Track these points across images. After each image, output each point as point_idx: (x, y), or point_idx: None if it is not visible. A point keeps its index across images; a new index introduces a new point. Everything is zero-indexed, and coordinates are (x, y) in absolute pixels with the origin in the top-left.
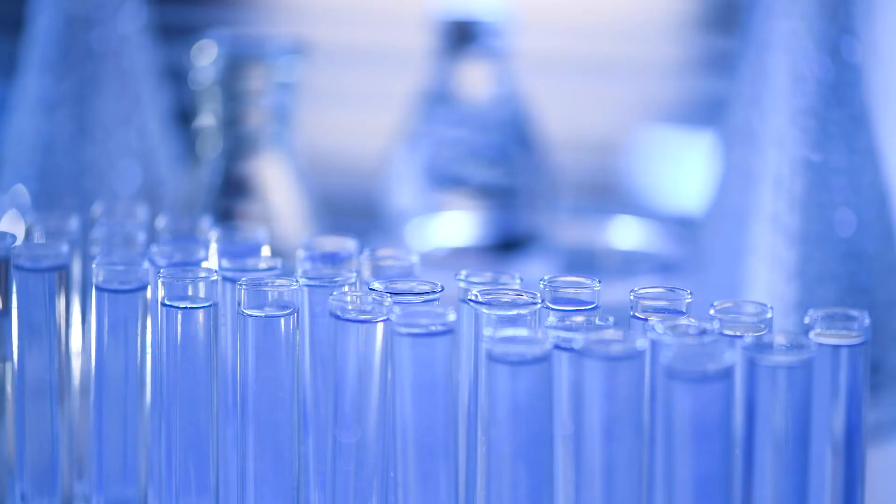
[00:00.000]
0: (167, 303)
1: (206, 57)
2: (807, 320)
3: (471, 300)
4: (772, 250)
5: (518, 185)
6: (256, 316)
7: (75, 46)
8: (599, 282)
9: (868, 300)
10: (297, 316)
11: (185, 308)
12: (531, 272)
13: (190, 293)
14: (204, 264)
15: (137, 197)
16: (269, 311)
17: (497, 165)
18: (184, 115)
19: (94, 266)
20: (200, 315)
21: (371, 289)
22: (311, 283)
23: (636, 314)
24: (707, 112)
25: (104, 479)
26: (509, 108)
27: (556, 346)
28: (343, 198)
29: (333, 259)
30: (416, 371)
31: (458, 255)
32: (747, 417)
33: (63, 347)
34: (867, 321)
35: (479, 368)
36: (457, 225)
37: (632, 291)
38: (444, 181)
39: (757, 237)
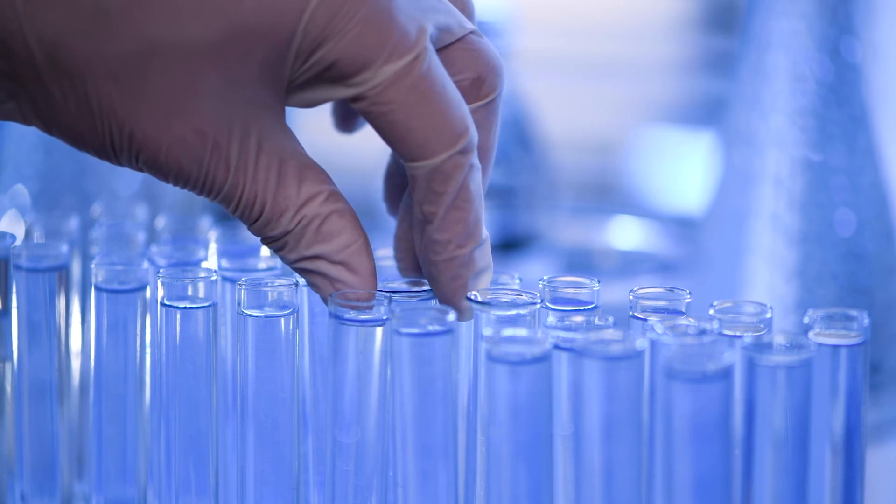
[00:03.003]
0: (167, 303)
1: None
2: (806, 320)
3: (471, 300)
4: (772, 250)
5: (518, 185)
6: (256, 316)
7: None
8: (599, 282)
9: (868, 300)
10: (297, 316)
11: (185, 308)
12: (531, 272)
13: (189, 293)
14: (204, 264)
15: (137, 197)
16: (269, 311)
17: (497, 165)
18: None
19: (93, 266)
20: (200, 315)
21: None
22: None
23: (636, 314)
24: (707, 112)
25: (104, 479)
26: (509, 108)
27: (556, 346)
28: None
29: None
30: (416, 371)
31: None
32: (747, 417)
33: (63, 347)
34: (867, 321)
35: (479, 368)
36: None
37: (631, 291)
38: None
39: (757, 237)
